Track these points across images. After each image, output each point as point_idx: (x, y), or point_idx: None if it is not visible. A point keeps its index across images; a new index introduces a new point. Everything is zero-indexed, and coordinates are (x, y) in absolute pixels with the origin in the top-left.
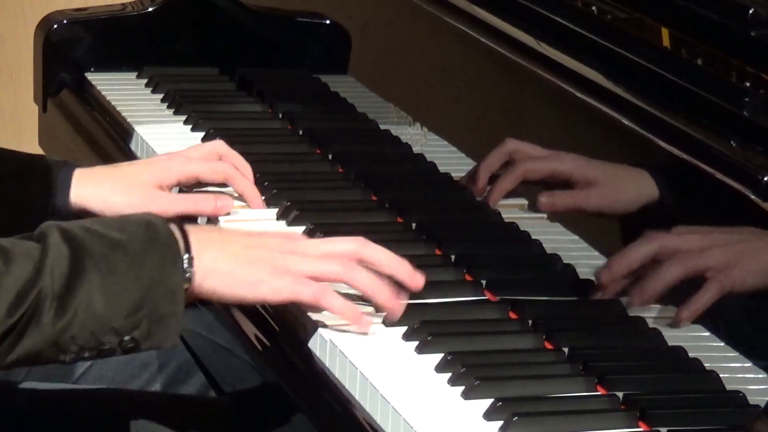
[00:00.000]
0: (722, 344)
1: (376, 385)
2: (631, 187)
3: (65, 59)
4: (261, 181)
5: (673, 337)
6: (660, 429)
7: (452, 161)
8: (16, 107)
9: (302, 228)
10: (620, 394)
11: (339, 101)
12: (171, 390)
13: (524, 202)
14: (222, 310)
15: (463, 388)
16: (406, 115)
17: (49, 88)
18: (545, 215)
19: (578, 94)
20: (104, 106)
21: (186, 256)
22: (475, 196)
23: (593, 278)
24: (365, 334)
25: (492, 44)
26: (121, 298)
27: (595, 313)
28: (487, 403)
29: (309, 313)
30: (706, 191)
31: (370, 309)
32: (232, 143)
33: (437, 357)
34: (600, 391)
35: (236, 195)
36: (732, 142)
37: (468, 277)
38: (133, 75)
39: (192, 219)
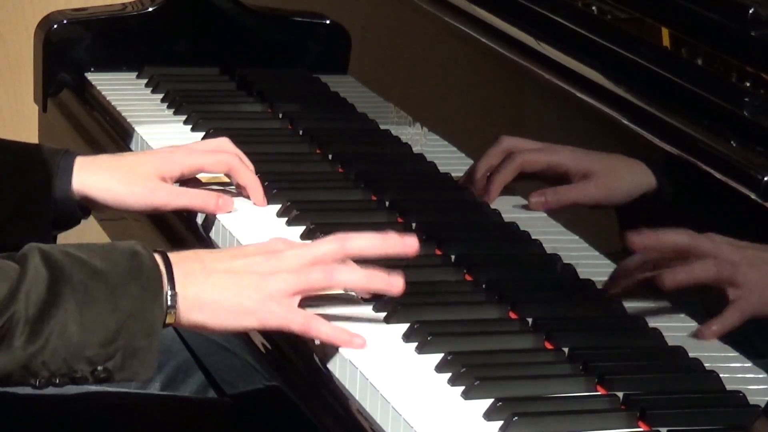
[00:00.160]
0: (722, 344)
1: (376, 385)
2: (628, 178)
3: (65, 59)
4: (261, 181)
5: (673, 337)
6: (660, 429)
7: (452, 161)
8: (16, 107)
9: (302, 228)
10: (620, 394)
11: (339, 101)
12: (170, 390)
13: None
14: None
15: (463, 388)
16: (406, 115)
17: (49, 88)
18: (545, 214)
19: (578, 94)
20: (104, 106)
21: (170, 292)
22: (475, 195)
23: (593, 278)
24: (366, 334)
25: (492, 44)
26: (96, 328)
27: (595, 313)
28: (487, 403)
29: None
30: (706, 191)
31: (369, 309)
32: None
33: (437, 357)
34: (600, 391)
35: (235, 191)
36: (732, 142)
37: (468, 277)
38: (133, 75)
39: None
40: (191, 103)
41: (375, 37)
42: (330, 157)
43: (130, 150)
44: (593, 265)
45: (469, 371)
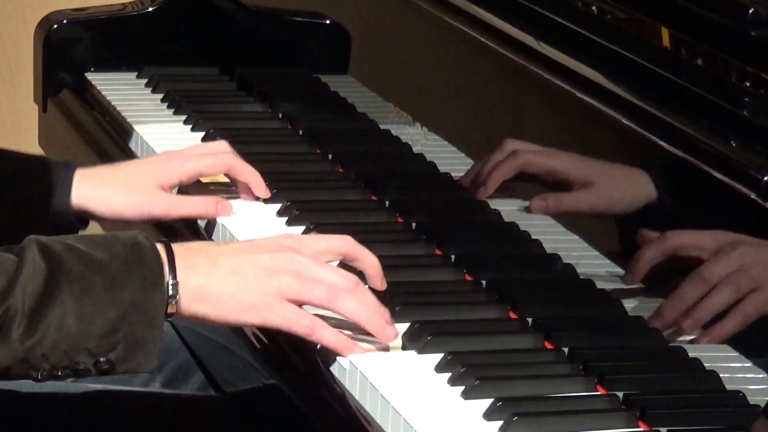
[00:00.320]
0: (722, 344)
1: (377, 385)
2: (629, 189)
3: (65, 59)
4: None
5: (673, 337)
6: (660, 429)
7: (452, 161)
8: (16, 107)
9: (302, 228)
10: (620, 394)
11: (339, 101)
12: (171, 389)
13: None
14: None
15: (463, 388)
16: (406, 115)
17: (49, 88)
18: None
19: (578, 94)
20: (104, 106)
21: (171, 281)
22: (474, 193)
23: (593, 278)
24: (366, 334)
25: (492, 44)
26: (95, 320)
27: (595, 313)
28: (487, 403)
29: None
30: (706, 191)
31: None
32: (232, 143)
33: (437, 357)
34: (600, 391)
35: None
36: (732, 142)
37: (468, 277)
38: (133, 75)
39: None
40: (191, 103)
41: (375, 37)
42: (330, 157)
43: (130, 150)
44: (593, 265)
45: (469, 371)
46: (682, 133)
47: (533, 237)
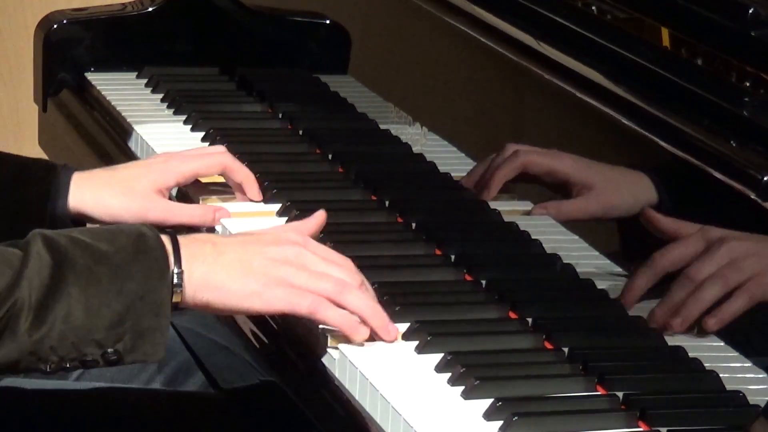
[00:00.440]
0: (722, 344)
1: (376, 385)
2: (630, 194)
3: (65, 59)
4: (261, 181)
5: (673, 337)
6: (660, 429)
7: (452, 161)
8: (16, 107)
9: None
10: (620, 394)
11: (339, 101)
12: (171, 389)
13: (528, 207)
14: None
15: (463, 388)
16: (406, 115)
17: (49, 88)
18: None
19: (578, 94)
20: (104, 106)
21: (176, 270)
22: (476, 194)
23: (593, 278)
24: (366, 334)
25: (492, 44)
26: (101, 311)
27: (595, 313)
28: (487, 403)
29: None
30: (706, 191)
31: None
32: (232, 143)
33: (437, 357)
34: (600, 391)
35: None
36: (732, 142)
37: (468, 277)
38: (133, 75)
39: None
40: (191, 103)
41: (375, 37)
42: (330, 157)
43: (129, 150)
44: (593, 265)
45: (469, 371)
46: (682, 133)
47: (533, 237)
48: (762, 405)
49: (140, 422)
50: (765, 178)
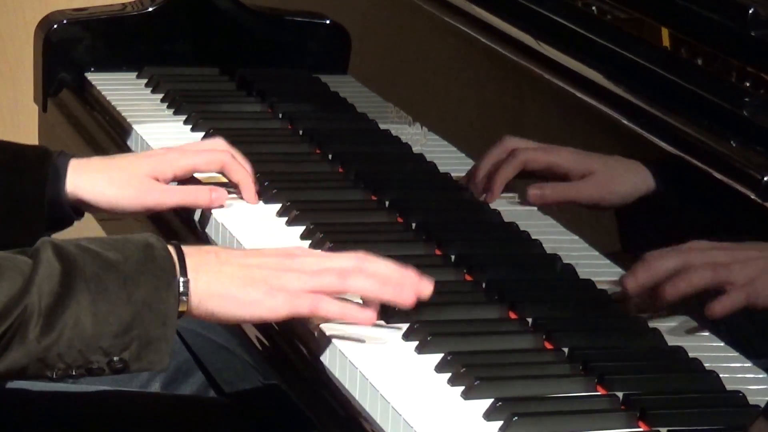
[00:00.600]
0: (722, 344)
1: (376, 385)
2: (629, 181)
3: (65, 59)
4: (261, 181)
5: (673, 337)
6: (660, 429)
7: (452, 161)
8: (16, 107)
9: (302, 228)
10: (620, 394)
11: (339, 101)
12: (170, 390)
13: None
14: None
15: (463, 388)
16: (406, 115)
17: (49, 88)
18: (546, 214)
19: (578, 94)
20: (104, 106)
21: (182, 279)
22: (476, 195)
23: (593, 278)
24: (366, 334)
25: (492, 44)
26: (109, 319)
27: (595, 313)
28: (487, 403)
29: None
30: (706, 191)
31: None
32: (232, 143)
33: (437, 357)
34: (600, 391)
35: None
36: (732, 142)
37: (468, 277)
38: (133, 75)
39: (188, 211)
40: (191, 103)
41: (375, 37)
42: (330, 157)
43: (129, 150)
44: (593, 265)
45: (469, 371)
46: (682, 133)
47: (533, 237)
48: (762, 405)
49: (139, 426)
50: (765, 178)
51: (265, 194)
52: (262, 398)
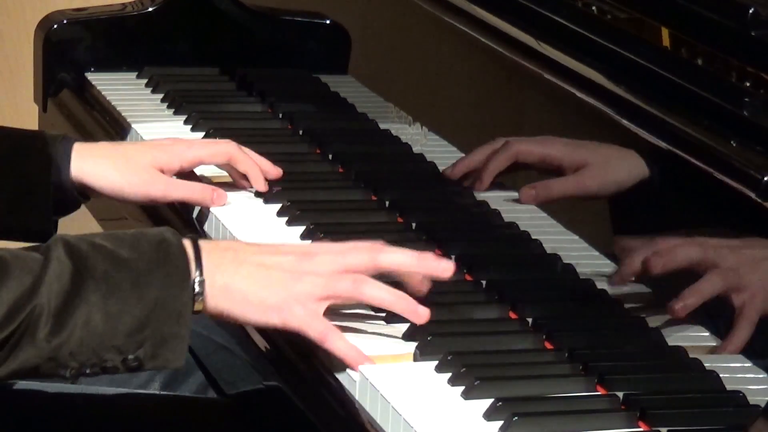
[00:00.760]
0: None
1: (376, 384)
2: (622, 169)
3: (65, 59)
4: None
5: (673, 337)
6: (660, 429)
7: (452, 161)
8: (16, 107)
9: (302, 228)
10: (620, 394)
11: (339, 101)
12: (170, 389)
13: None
14: None
15: (463, 388)
16: (406, 115)
17: (49, 88)
18: (546, 214)
19: (578, 94)
20: (104, 106)
21: (198, 277)
22: (473, 191)
23: (593, 278)
24: (366, 334)
25: (492, 44)
26: (122, 318)
27: (595, 313)
28: (487, 403)
29: None
30: (706, 191)
31: (369, 309)
32: None
33: (437, 357)
34: (600, 391)
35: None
36: (732, 142)
37: (468, 277)
38: (133, 75)
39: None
40: (191, 103)
41: (375, 37)
42: (330, 157)
43: None
44: (593, 265)
45: (469, 371)
46: (682, 132)
47: (533, 237)
48: (762, 405)
49: (139, 426)
50: (765, 178)
51: (265, 194)
52: (262, 398)
